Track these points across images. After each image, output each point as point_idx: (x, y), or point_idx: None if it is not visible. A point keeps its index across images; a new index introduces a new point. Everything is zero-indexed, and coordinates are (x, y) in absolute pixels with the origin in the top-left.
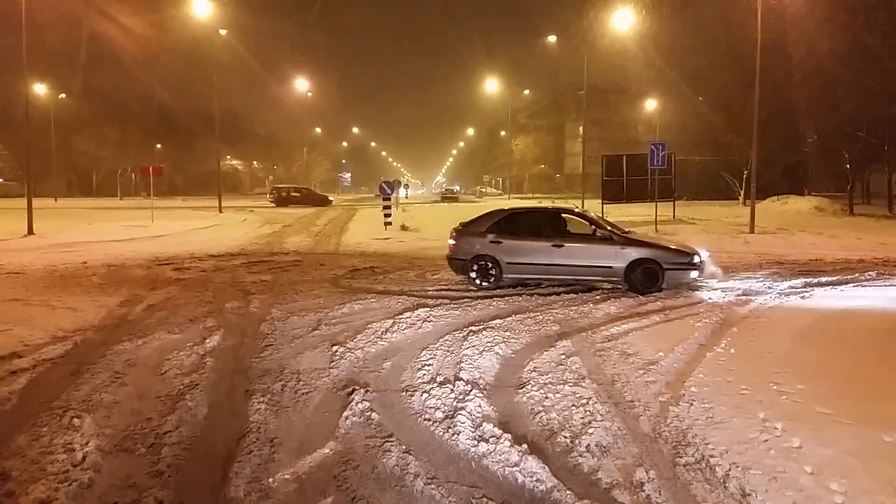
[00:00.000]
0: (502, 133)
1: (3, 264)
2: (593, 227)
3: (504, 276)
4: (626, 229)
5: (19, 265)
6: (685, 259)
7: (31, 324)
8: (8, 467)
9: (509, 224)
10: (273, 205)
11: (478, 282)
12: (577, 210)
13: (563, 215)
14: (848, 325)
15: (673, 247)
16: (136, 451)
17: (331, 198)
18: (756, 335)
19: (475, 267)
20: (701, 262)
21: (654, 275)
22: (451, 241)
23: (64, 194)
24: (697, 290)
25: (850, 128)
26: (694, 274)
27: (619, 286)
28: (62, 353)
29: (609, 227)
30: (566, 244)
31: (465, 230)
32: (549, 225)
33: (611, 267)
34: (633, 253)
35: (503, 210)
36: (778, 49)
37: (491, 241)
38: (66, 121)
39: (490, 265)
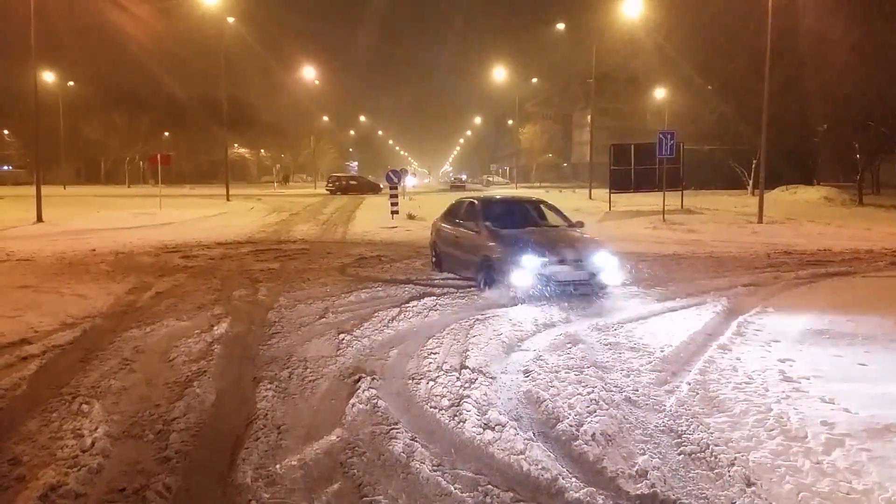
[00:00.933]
0: (510, 122)
1: (12, 251)
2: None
3: (443, 264)
4: (573, 223)
5: (29, 252)
6: (508, 257)
7: (41, 310)
8: (19, 452)
9: (450, 213)
10: (329, 192)
11: (437, 268)
12: (472, 198)
13: (474, 202)
14: (852, 316)
15: (508, 242)
16: (145, 437)
17: (381, 185)
18: (763, 325)
19: (433, 253)
20: (542, 265)
21: (491, 275)
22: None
23: (72, 182)
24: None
25: (861, 117)
26: (521, 279)
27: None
28: (71, 339)
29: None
30: (459, 236)
31: (436, 219)
32: (466, 214)
33: (475, 262)
34: (483, 249)
35: (456, 200)
36: (789, 37)
37: (437, 230)
38: (74, 109)
39: (439, 252)
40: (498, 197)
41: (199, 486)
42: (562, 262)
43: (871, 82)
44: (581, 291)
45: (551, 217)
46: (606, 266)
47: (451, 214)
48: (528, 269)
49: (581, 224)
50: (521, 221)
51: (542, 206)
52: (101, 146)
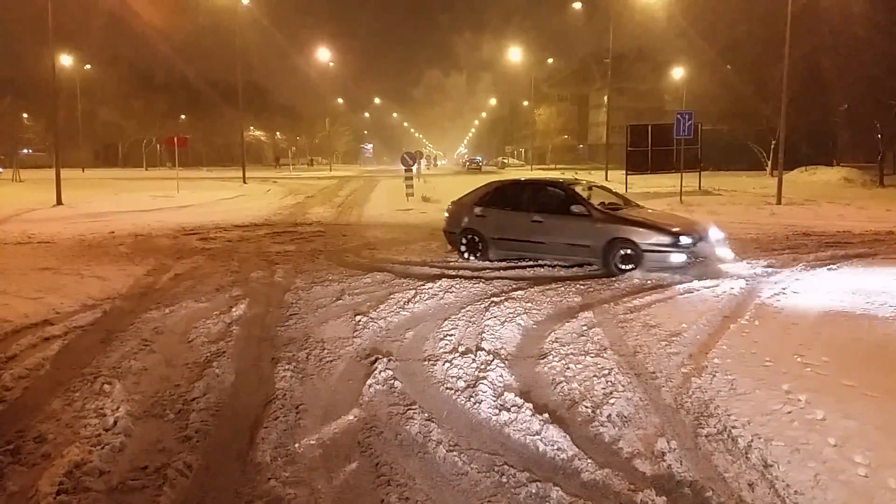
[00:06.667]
0: (525, 103)
1: (33, 234)
2: (574, 201)
3: (490, 252)
4: (633, 203)
5: (49, 235)
6: (667, 240)
7: (62, 292)
8: (44, 430)
9: (501, 197)
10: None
11: (466, 256)
12: (562, 181)
13: (549, 188)
14: (875, 299)
15: (658, 225)
16: (165, 416)
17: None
18: (781, 308)
19: (464, 241)
20: (691, 244)
21: (630, 257)
22: (446, 214)
23: (91, 165)
24: (688, 275)
25: (883, 96)
26: (678, 258)
27: (598, 266)
28: (92, 320)
29: (607, 201)
30: (545, 220)
31: (457, 202)
32: (532, 199)
33: (589, 246)
34: (610, 231)
35: (493, 182)
36: (809, 14)
37: (477, 215)
38: (92, 92)
39: (477, 240)
40: (568, 180)
41: (219, 465)
42: (701, 239)
43: (894, 60)
44: (706, 263)
45: (608, 197)
46: (719, 239)
47: (504, 199)
48: (685, 248)
49: (638, 204)
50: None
51: (601, 188)
52: (119, 129)
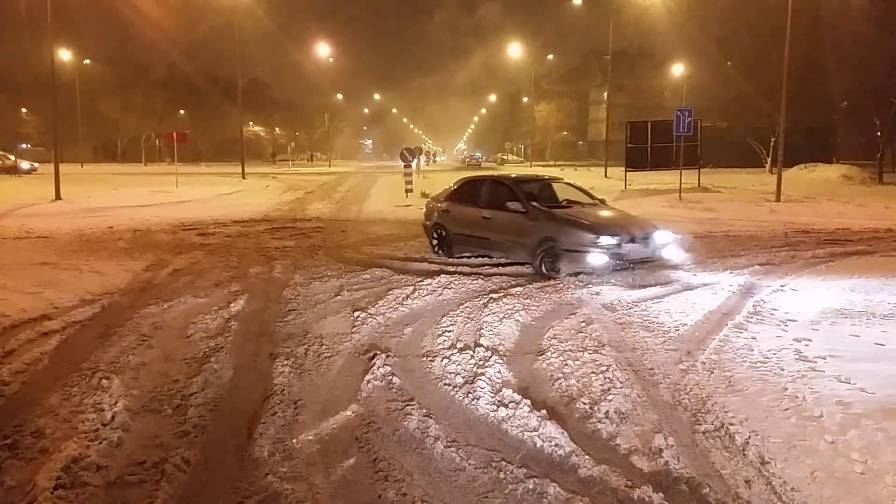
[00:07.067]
0: (525, 99)
1: (32, 229)
2: (513, 197)
3: (454, 247)
4: (599, 200)
5: (48, 230)
6: (586, 239)
7: (61, 287)
8: (42, 425)
9: (463, 193)
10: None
11: (437, 250)
12: (495, 178)
13: (496, 184)
14: (870, 296)
15: (582, 223)
16: (163, 411)
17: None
18: (780, 304)
19: (435, 235)
20: (614, 245)
21: (555, 257)
22: (424, 209)
23: (90, 160)
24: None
25: (882, 93)
26: (598, 259)
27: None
28: (90, 315)
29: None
30: (492, 216)
31: (433, 197)
32: (484, 194)
33: (525, 244)
34: (542, 230)
35: (463, 178)
36: (810, 11)
37: (443, 210)
38: (91, 87)
39: (445, 234)
40: (524, 175)
41: (217, 460)
42: (632, 240)
43: (895, 57)
44: (647, 268)
45: (575, 194)
46: (667, 242)
47: (466, 194)
48: (605, 249)
49: (604, 201)
50: (557, 200)
51: (567, 184)
52: (118, 124)
